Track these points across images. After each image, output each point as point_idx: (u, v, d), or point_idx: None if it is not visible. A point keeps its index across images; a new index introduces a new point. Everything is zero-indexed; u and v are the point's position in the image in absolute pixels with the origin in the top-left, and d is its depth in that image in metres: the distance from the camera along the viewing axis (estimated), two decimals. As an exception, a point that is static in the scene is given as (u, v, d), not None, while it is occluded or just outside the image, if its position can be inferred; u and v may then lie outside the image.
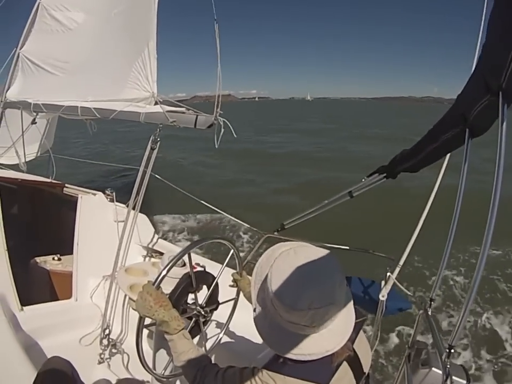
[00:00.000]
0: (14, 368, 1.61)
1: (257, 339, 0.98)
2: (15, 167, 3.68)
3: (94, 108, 2.59)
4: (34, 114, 3.01)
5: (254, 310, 0.98)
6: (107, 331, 2.27)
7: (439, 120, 1.44)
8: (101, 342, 2.24)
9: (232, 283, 1.65)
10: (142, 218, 2.75)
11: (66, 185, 3.06)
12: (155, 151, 2.32)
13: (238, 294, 1.67)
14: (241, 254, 1.63)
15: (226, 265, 1.54)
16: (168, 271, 1.25)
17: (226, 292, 1.63)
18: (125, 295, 2.38)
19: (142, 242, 2.74)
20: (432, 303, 1.50)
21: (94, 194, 2.85)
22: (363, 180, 1.79)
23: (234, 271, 1.63)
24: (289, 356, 0.90)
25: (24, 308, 2.27)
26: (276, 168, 12.42)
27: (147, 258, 2.72)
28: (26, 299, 2.35)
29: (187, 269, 1.42)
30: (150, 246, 2.75)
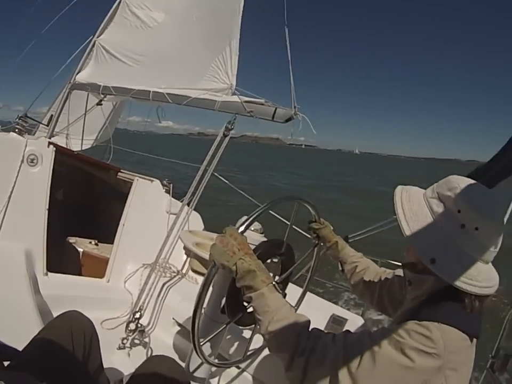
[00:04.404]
0: (26, 327, 1.47)
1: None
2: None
3: (167, 93, 2.57)
4: (102, 96, 3.02)
5: (407, 228, 0.87)
6: (138, 315, 2.13)
7: None
8: (127, 326, 2.09)
9: (312, 235, 1.44)
10: (195, 216, 2.64)
11: (122, 170, 3.00)
12: (225, 141, 2.26)
13: (316, 253, 1.48)
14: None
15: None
16: (257, 216, 1.04)
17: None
18: (162, 286, 2.29)
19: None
20: None
21: (152, 181, 2.77)
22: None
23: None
24: (470, 288, 0.80)
25: (49, 273, 2.26)
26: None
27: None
28: (54, 268, 2.32)
29: (264, 238, 1.27)
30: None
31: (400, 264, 1.48)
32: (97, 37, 3.41)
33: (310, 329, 0.89)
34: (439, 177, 0.94)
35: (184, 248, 2.26)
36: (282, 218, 2.33)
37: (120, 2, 3.39)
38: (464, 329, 0.81)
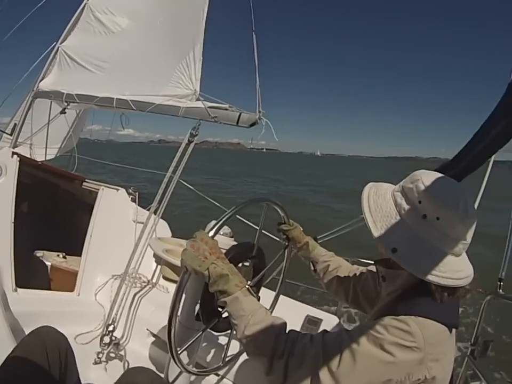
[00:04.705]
0: None
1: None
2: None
3: (131, 100, 2.53)
4: (65, 104, 2.94)
5: (375, 228, 0.88)
6: (111, 327, 2.07)
7: (489, 116, 1.39)
8: (101, 340, 2.03)
9: (282, 236, 1.43)
10: (163, 224, 2.61)
11: (86, 180, 2.93)
12: (190, 147, 2.24)
13: (288, 255, 1.47)
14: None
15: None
16: (227, 219, 1.03)
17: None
18: (134, 297, 2.24)
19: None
20: (501, 284, 1.33)
21: (117, 190, 2.72)
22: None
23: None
24: (431, 277, 0.81)
25: (18, 289, 2.16)
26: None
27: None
28: (22, 283, 2.23)
29: (234, 242, 1.26)
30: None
31: (371, 262, 1.51)
32: (61, 43, 3.32)
33: (287, 331, 0.88)
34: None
35: (154, 255, 2.22)
36: (250, 223, 2.32)
37: (83, 7, 3.31)
38: (442, 321, 0.82)
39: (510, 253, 1.38)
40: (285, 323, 0.90)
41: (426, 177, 0.87)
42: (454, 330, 0.87)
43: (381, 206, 0.90)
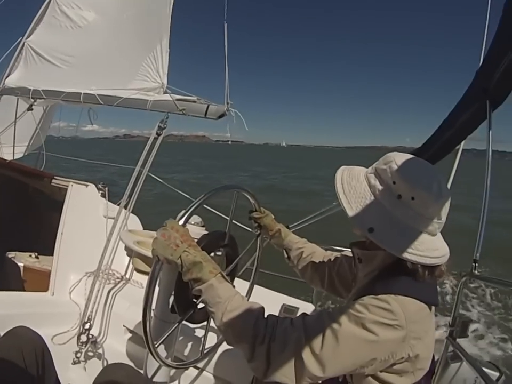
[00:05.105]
0: None
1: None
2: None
3: (98, 95, 2.50)
4: (32, 101, 2.88)
5: (349, 209, 0.88)
6: (87, 325, 2.03)
7: (457, 103, 1.43)
8: (78, 339, 2.00)
9: (254, 224, 1.41)
10: (133, 219, 2.58)
11: (55, 177, 2.87)
12: (159, 140, 2.23)
13: (260, 243, 1.46)
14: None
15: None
16: (197, 207, 1.01)
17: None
18: (108, 293, 2.21)
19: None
20: (476, 265, 1.36)
21: (86, 185, 2.68)
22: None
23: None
24: (409, 256, 0.82)
25: None
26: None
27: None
28: None
29: (205, 232, 1.25)
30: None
31: (344, 249, 1.49)
32: (26, 38, 3.25)
33: (265, 316, 0.87)
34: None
35: (126, 248, 2.19)
36: (219, 213, 2.32)
37: (50, 1, 3.25)
38: (421, 298, 0.83)
39: (483, 234, 1.40)
40: (263, 308, 0.89)
41: (400, 158, 0.88)
42: (433, 308, 0.88)
43: (354, 187, 0.90)
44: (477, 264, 1.41)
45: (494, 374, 1.16)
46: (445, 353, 1.44)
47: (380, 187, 0.87)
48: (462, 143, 1.68)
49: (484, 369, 1.11)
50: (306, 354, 0.78)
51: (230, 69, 2.29)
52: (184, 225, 0.95)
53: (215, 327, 0.90)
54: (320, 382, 0.89)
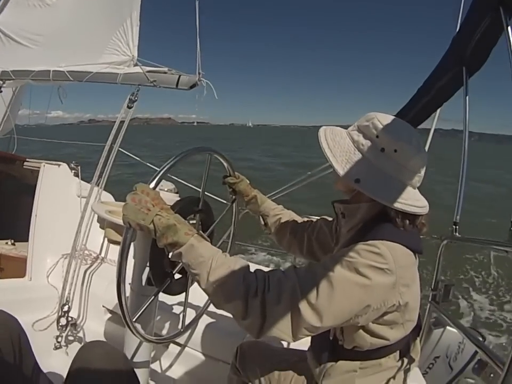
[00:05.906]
0: None
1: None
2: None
3: (68, 71, 2.42)
4: (1, 82, 2.78)
5: (338, 164, 0.90)
6: (66, 307, 1.99)
7: (433, 70, 1.43)
8: (58, 322, 1.96)
9: (229, 189, 1.37)
10: (107, 196, 2.53)
11: (27, 159, 2.79)
12: (130, 113, 2.17)
13: (236, 209, 1.42)
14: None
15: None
16: (168, 169, 0.94)
17: None
18: (85, 274, 2.19)
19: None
20: (457, 227, 1.35)
21: (59, 165, 2.60)
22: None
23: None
24: (396, 204, 0.85)
25: None
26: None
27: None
28: None
29: (178, 198, 1.20)
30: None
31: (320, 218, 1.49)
32: (-5, 20, 3.13)
33: (251, 269, 0.84)
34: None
35: (99, 220, 2.13)
36: (191, 185, 2.26)
37: (17, -19, 3.12)
38: (407, 245, 0.85)
39: (463, 197, 1.39)
40: (248, 263, 0.85)
41: (381, 116, 0.92)
42: (417, 258, 0.90)
43: (338, 143, 0.93)
44: (457, 227, 1.40)
45: (478, 339, 1.15)
46: (428, 318, 1.42)
47: (364, 141, 0.90)
48: (438, 110, 1.68)
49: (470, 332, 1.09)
50: (302, 304, 0.77)
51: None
52: (155, 188, 0.89)
53: (193, 302, 0.84)
54: (311, 339, 0.91)
